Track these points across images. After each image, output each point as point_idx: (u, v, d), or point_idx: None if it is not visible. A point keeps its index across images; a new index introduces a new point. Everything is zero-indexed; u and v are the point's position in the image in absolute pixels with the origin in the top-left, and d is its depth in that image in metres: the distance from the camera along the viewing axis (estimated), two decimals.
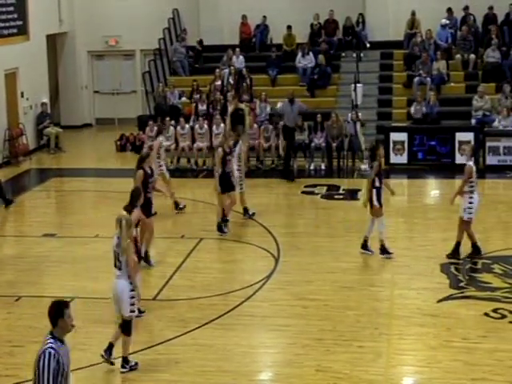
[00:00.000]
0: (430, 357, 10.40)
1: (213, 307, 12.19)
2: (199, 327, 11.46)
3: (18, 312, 12.24)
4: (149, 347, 10.89)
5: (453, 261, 13.95)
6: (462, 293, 12.61)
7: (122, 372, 10.19)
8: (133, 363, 10.34)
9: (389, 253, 14.23)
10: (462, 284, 12.98)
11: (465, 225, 14.05)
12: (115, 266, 10.33)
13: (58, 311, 7.13)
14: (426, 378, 9.98)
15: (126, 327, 10.26)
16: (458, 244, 14.15)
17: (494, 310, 11.79)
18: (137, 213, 11.64)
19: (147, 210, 13.44)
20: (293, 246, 15.23)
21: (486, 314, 11.67)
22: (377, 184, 14.13)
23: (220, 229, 15.86)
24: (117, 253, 10.28)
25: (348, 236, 15.86)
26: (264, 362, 10.72)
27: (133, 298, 10.23)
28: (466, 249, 14.51)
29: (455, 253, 14.13)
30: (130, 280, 10.22)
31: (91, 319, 11.83)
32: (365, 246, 14.45)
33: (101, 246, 15.52)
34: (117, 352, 10.39)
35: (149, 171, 13.89)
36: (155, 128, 22.73)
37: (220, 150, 16.00)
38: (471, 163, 14.02)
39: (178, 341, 11.05)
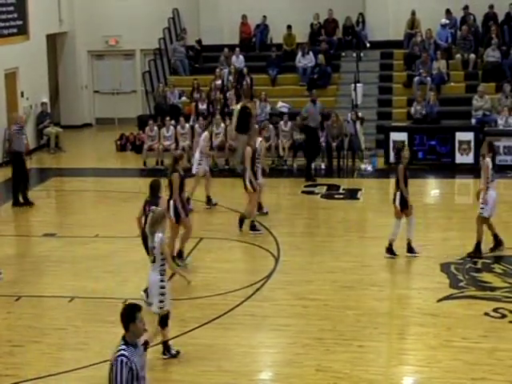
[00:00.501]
0: (430, 356, 10.40)
1: (213, 307, 12.19)
2: (199, 327, 11.46)
3: (18, 312, 12.24)
4: (149, 347, 10.86)
5: (453, 260, 13.95)
6: (462, 292, 12.60)
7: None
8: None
9: (394, 254, 14.19)
10: (462, 284, 12.97)
11: (479, 220, 14.13)
12: (151, 260, 10.44)
13: (130, 315, 6.83)
14: (426, 377, 9.98)
15: (161, 320, 10.35)
16: (495, 236, 14.36)
17: (495, 310, 11.78)
18: (163, 201, 11.81)
19: (184, 210, 13.50)
20: (293, 245, 15.23)
21: (486, 314, 11.67)
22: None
23: (253, 228, 15.94)
24: (151, 247, 10.33)
25: (348, 236, 15.87)
26: (264, 361, 10.72)
27: (162, 294, 10.23)
28: (465, 249, 14.54)
29: (495, 247, 14.36)
30: (161, 277, 10.24)
31: (91, 319, 11.84)
32: (410, 250, 14.26)
33: (101, 246, 15.53)
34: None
35: (182, 173, 13.84)
36: (155, 128, 22.81)
37: (249, 148, 16.01)
38: (488, 160, 14.08)
39: (178, 340, 11.04)
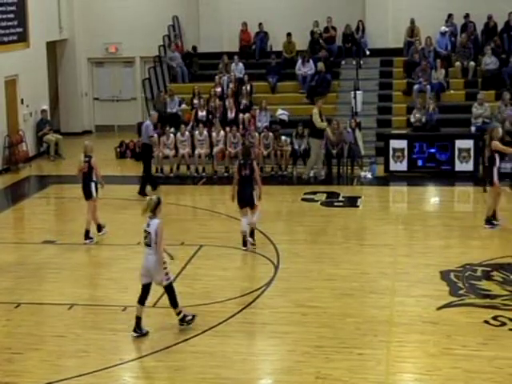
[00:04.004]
0: (430, 364, 10.39)
1: (212, 314, 12.18)
2: (199, 334, 11.45)
3: (17, 319, 12.23)
4: (148, 354, 10.89)
5: (453, 268, 13.95)
6: (461, 300, 12.59)
7: None
8: None
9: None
10: (461, 291, 12.96)
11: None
12: None
13: None
14: None
15: None
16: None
17: (494, 318, 11.78)
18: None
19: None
20: (292, 253, 15.22)
21: (486, 322, 11.67)
22: None
23: (489, 222, 16.34)
24: None
25: (347, 243, 15.87)
26: (264, 369, 10.70)
27: None
28: (464, 257, 14.56)
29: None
30: None
31: (91, 326, 11.83)
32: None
33: (100, 253, 15.55)
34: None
35: None
36: (155, 135, 22.78)
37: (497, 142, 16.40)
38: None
39: (178, 348, 11.04)
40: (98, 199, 16.54)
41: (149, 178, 20.31)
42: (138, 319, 11.40)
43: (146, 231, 11.34)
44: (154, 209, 11.37)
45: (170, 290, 11.48)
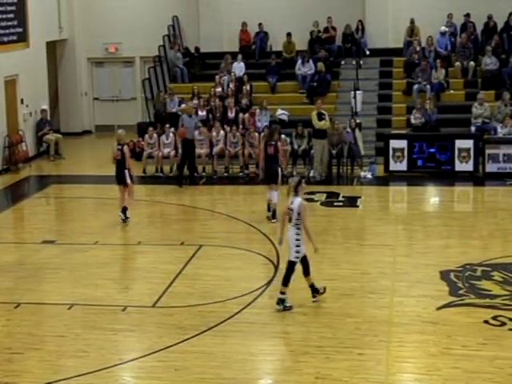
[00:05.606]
0: (430, 364, 10.39)
1: (212, 314, 12.17)
2: (198, 334, 11.44)
3: (17, 319, 12.23)
4: (148, 354, 10.88)
5: (453, 268, 13.95)
6: (461, 300, 12.59)
7: None
8: None
9: None
10: (461, 291, 12.95)
11: None
12: None
13: None
14: None
15: None
16: None
17: (494, 318, 11.77)
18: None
19: None
20: None
21: (486, 322, 11.66)
22: None
23: None
24: None
25: (347, 243, 15.87)
26: (263, 369, 10.70)
27: None
28: (464, 257, 14.56)
29: None
30: None
31: (91, 326, 11.82)
32: None
33: (100, 253, 15.52)
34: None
35: None
36: (155, 135, 22.80)
37: None
38: None
39: (177, 348, 11.03)
40: (134, 184, 17.87)
41: (192, 170, 21.12)
42: (312, 286, 12.40)
43: (289, 208, 12.19)
44: (296, 188, 12.25)
45: (290, 267, 12.18)
